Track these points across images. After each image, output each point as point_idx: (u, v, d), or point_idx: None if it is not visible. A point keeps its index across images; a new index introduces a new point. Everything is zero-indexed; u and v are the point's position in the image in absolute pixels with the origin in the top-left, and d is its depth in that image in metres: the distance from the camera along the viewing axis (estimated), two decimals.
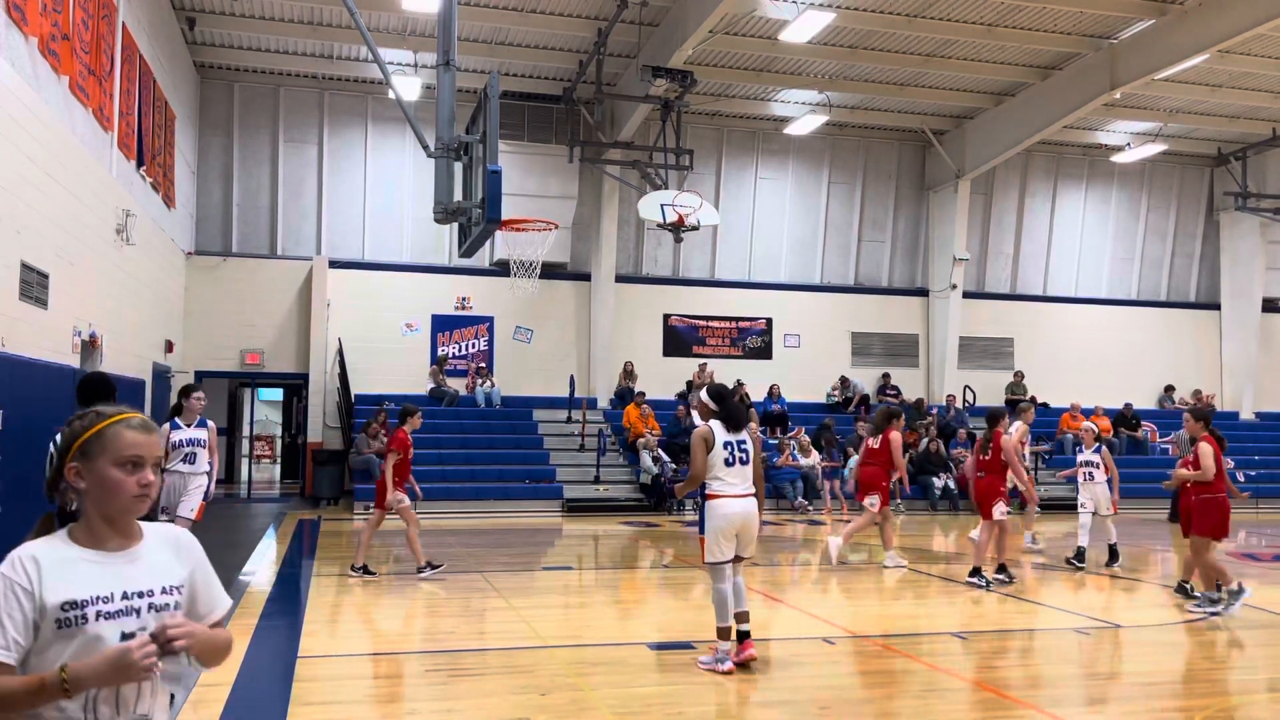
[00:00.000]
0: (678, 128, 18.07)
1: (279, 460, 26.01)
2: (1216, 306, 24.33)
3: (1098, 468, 11.83)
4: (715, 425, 6.57)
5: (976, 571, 9.97)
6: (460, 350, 20.48)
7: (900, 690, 6.15)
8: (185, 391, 9.03)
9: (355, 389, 19.23)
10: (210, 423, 9.07)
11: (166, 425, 8.69)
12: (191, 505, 8.59)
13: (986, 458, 10.38)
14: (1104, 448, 12.02)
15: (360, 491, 16.79)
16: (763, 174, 22.36)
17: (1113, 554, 11.47)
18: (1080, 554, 11.50)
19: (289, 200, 20.11)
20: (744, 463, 6.52)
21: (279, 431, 26.33)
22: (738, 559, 6.55)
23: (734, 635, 6.39)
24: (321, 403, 19.23)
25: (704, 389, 6.93)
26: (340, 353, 19.32)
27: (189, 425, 8.78)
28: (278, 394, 25.52)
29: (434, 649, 7.39)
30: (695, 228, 17.61)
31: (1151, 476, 20.81)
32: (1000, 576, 10.05)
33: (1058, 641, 7.86)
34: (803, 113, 20.80)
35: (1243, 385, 23.85)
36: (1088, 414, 21.72)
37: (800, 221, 22.65)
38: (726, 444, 6.49)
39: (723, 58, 18.35)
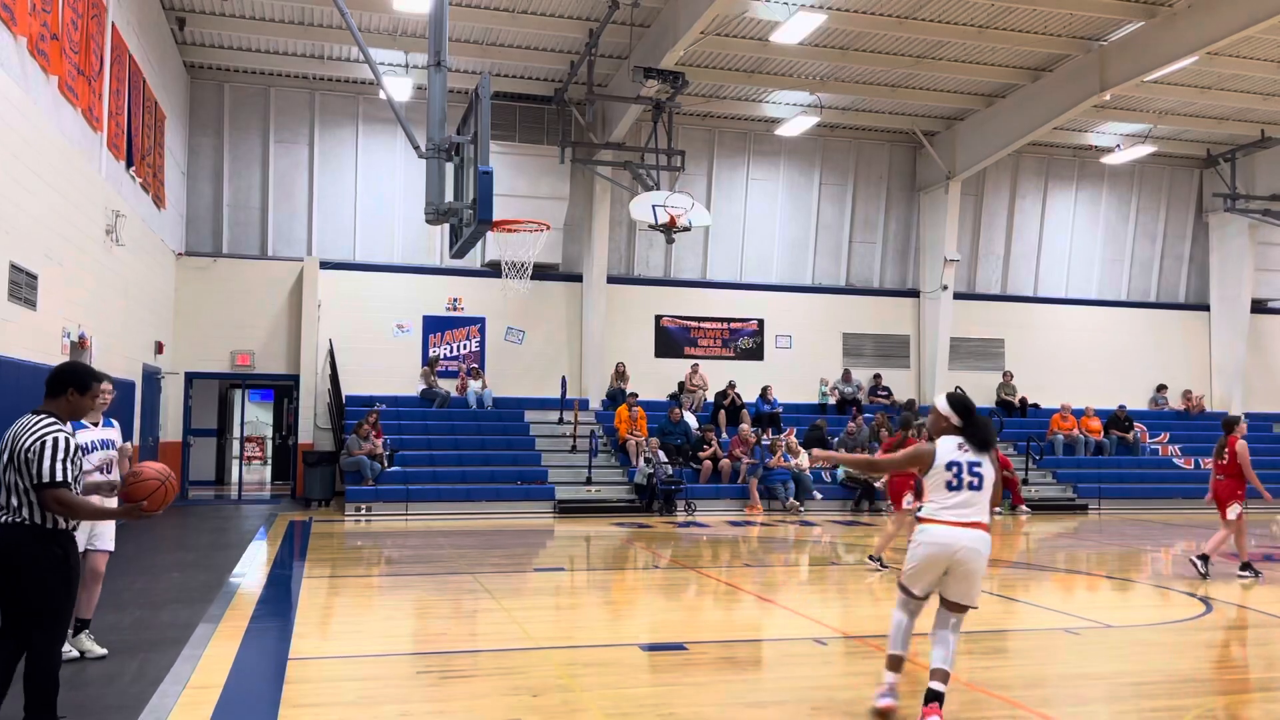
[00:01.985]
0: (669, 129, 18.07)
1: (269, 462, 25.93)
2: (1206, 307, 24.42)
3: None
4: (945, 442, 5.46)
5: (1246, 566, 10.85)
6: (452, 351, 20.45)
7: None
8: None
9: (346, 390, 19.19)
10: (116, 422, 6.92)
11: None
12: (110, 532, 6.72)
13: (1224, 462, 11.05)
14: None
15: (352, 493, 16.76)
16: (754, 175, 22.38)
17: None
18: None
19: (279, 201, 20.06)
20: (975, 489, 5.35)
21: (269, 433, 26.25)
22: (955, 606, 5.43)
23: (898, 670, 5.57)
24: (312, 404, 19.18)
25: (942, 396, 5.63)
26: (331, 354, 19.27)
27: (95, 424, 6.56)
28: (269, 395, 25.46)
29: (425, 650, 7.38)
30: (687, 229, 17.60)
31: (1143, 477, 20.96)
32: (1243, 574, 10.76)
33: (1048, 641, 7.87)
34: (794, 114, 20.83)
35: (1232, 386, 23.94)
36: (1079, 415, 21.83)
37: (792, 222, 22.68)
38: (953, 464, 5.37)
39: (714, 59, 18.36)
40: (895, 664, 5.54)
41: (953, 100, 20.40)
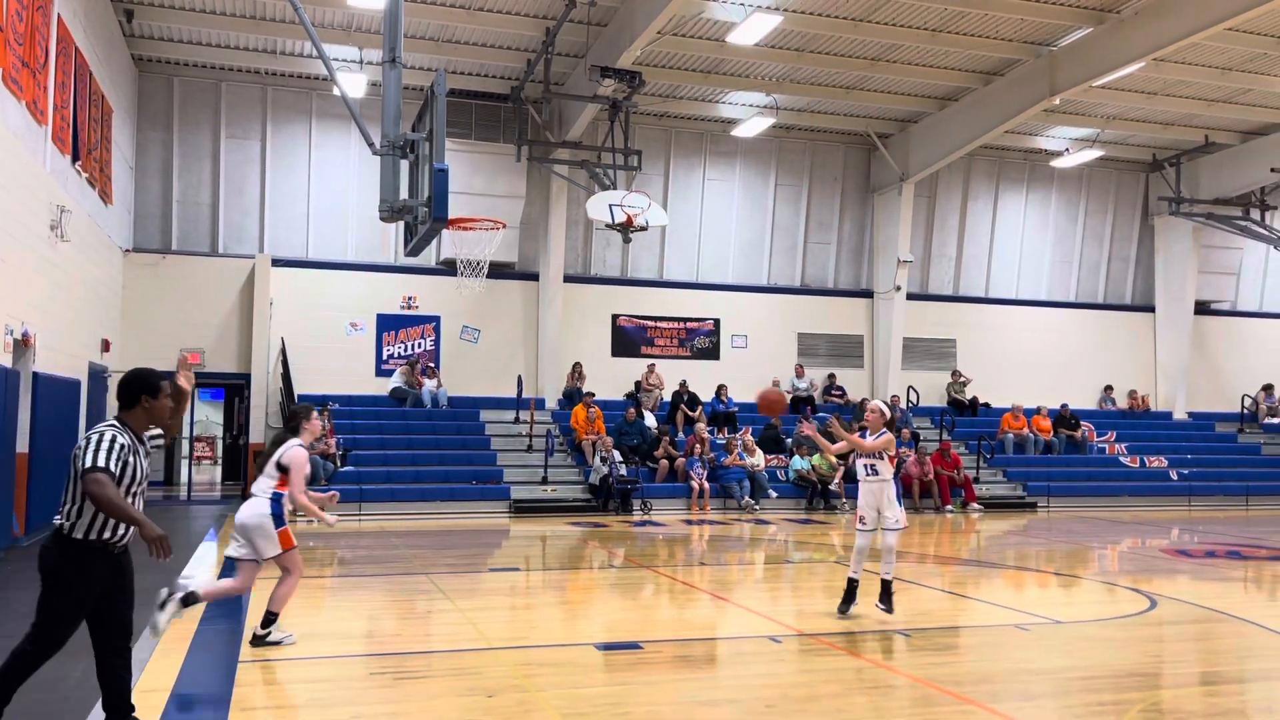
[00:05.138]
0: (626, 128, 18.09)
1: (220, 461, 25.54)
2: (1151, 309, 24.93)
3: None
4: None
5: None
6: (406, 350, 20.29)
7: (845, 688, 6.21)
8: (305, 412, 7.55)
9: (299, 389, 18.95)
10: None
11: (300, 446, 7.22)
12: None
13: None
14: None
15: None
16: (710, 175, 22.46)
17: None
18: None
19: (230, 197, 19.77)
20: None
21: (220, 432, 25.85)
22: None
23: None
24: (264, 403, 18.92)
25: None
26: (283, 352, 19.03)
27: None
28: (219, 394, 25.06)
29: (379, 652, 7.31)
30: (644, 228, 17.63)
31: (1090, 475, 21.35)
32: None
33: (999, 637, 7.99)
34: (750, 114, 20.94)
35: (1176, 386, 24.47)
36: (1029, 414, 22.18)
37: (748, 223, 22.79)
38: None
39: (671, 59, 18.39)
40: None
41: (906, 103, 20.62)
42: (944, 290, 24.01)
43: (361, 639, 7.91)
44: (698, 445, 18.69)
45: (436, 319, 20.47)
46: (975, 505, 18.85)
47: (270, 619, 7.03)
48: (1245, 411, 24.50)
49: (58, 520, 4.48)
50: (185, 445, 22.67)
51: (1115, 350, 24.68)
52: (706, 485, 18.15)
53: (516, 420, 19.71)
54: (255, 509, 7.01)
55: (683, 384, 20.63)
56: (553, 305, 20.74)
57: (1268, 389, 24.68)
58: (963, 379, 23.11)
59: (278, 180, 19.96)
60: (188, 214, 19.60)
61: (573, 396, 20.09)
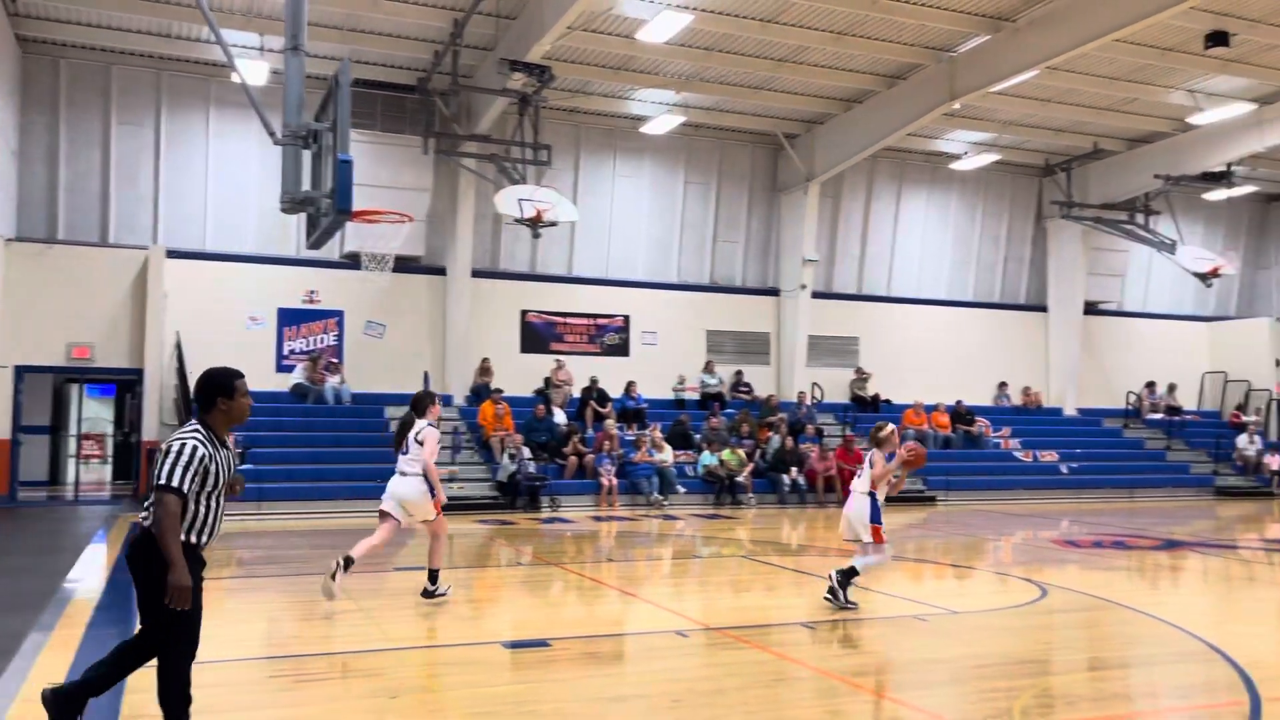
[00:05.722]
0: (535, 123, 17.97)
1: (110, 460, 24.55)
2: (1044, 308, 25.84)
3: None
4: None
5: None
6: (308, 345, 19.81)
7: (751, 681, 6.28)
8: (430, 397, 9.23)
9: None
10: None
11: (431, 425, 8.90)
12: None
13: None
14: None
15: None
16: (620, 172, 22.48)
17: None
18: None
19: (122, 185, 19.01)
20: None
21: (110, 430, 24.85)
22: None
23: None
24: (158, 399, 18.23)
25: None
26: (179, 346, 18.38)
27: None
28: (109, 390, 24.09)
29: (278, 654, 7.13)
30: (553, 224, 17.55)
31: (986, 469, 22.03)
32: None
33: (899, 628, 8.18)
34: (660, 112, 21.02)
35: (1066, 383, 25.42)
36: (929, 410, 22.79)
37: (657, 220, 22.89)
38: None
39: (581, 54, 18.33)
40: None
41: (812, 104, 20.96)
42: (848, 289, 24.48)
43: (260, 641, 7.70)
44: (607, 442, 18.70)
45: (340, 313, 20.04)
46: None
47: (434, 575, 8.59)
48: (1130, 408, 25.58)
49: (145, 521, 4.48)
50: (72, 443, 21.72)
51: (1010, 348, 25.52)
52: (615, 482, 18.17)
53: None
54: (416, 486, 8.50)
55: (593, 380, 20.61)
56: (460, 300, 20.49)
57: (1150, 386, 25.82)
58: (865, 376, 23.61)
59: (173, 169, 19.27)
60: (76, 202, 18.78)
61: (480, 393, 19.89)
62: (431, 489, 8.50)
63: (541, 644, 7.18)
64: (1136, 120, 21.75)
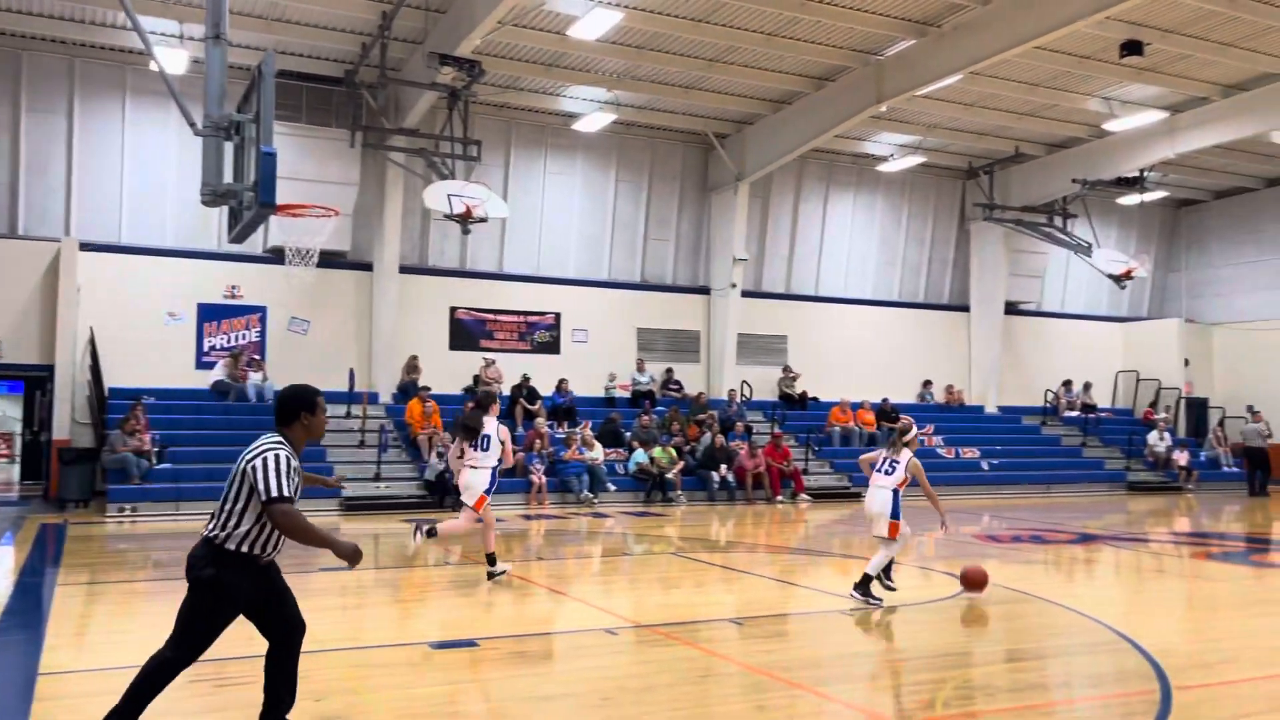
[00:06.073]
0: (465, 118, 17.79)
1: (18, 460, 23.70)
2: (966, 308, 26.42)
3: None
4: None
5: None
6: (229, 341, 19.35)
7: (679, 678, 6.30)
8: (491, 397, 10.47)
9: (110, 382, 17.79)
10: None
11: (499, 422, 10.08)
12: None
13: None
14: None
15: (114, 493, 15.57)
16: (551, 169, 22.39)
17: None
18: None
19: (32, 176, 18.33)
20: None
21: (18, 428, 23.98)
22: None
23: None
24: (70, 396, 17.64)
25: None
26: (92, 342, 17.81)
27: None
28: (17, 387, 23.23)
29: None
30: (483, 220, 17.40)
31: None
32: None
33: (825, 623, 8.29)
34: (591, 110, 20.98)
35: (988, 381, 26.04)
36: (855, 408, 23.14)
37: (588, 218, 22.85)
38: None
39: (512, 50, 18.19)
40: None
41: (743, 104, 21.11)
42: (777, 288, 24.74)
43: None
44: (537, 440, 18.61)
45: (263, 309, 19.61)
46: (804, 496, 19.54)
47: (492, 559, 9.64)
48: (1048, 405, 26.29)
49: (211, 531, 4.58)
50: None
51: (934, 347, 26.04)
52: (545, 480, 18.09)
53: (348, 415, 19.09)
54: (486, 478, 9.70)
55: (524, 378, 20.49)
56: (388, 296, 20.21)
57: (1067, 384, 26.56)
58: (793, 374, 23.89)
59: (87, 159, 18.65)
60: None
61: (408, 390, 19.64)
62: (494, 480, 9.74)
63: (469, 644, 7.12)
64: (1055, 125, 22.35)
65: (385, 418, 19.13)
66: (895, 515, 8.83)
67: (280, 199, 9.40)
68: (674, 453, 19.46)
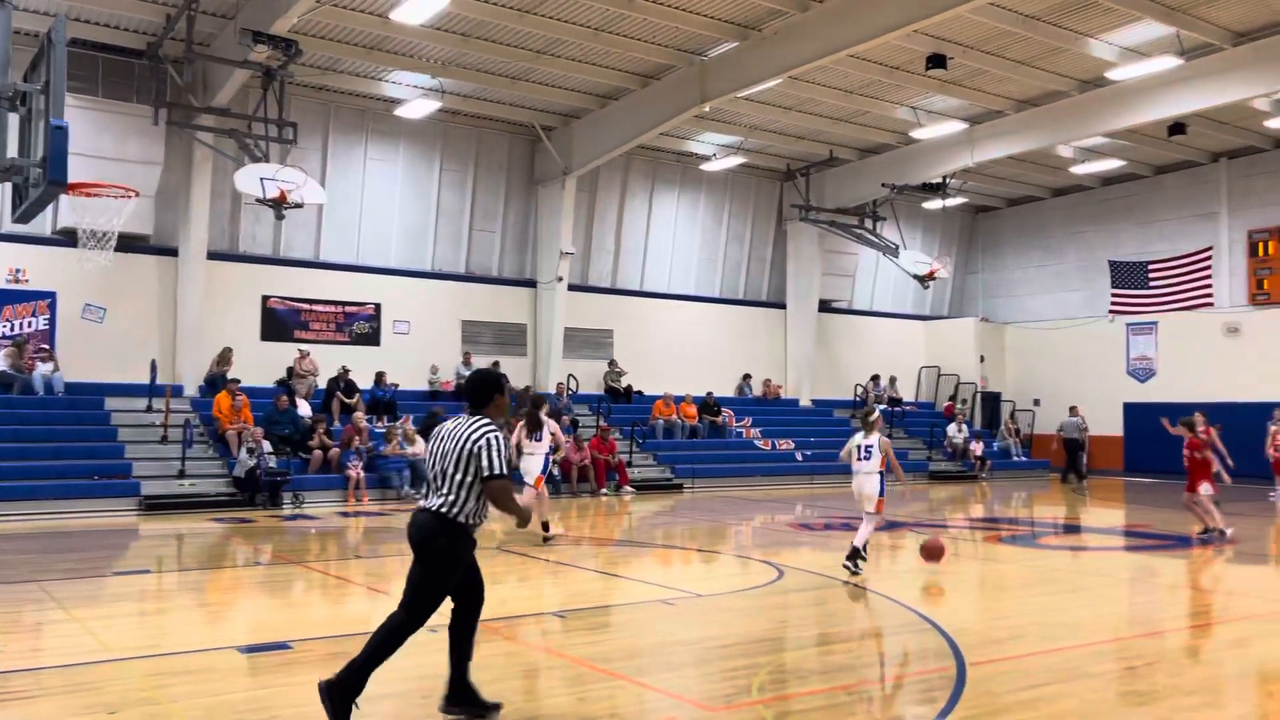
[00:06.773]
0: (280, 98, 17.03)
1: None
2: (783, 305, 27.38)
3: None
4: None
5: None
6: (14, 329, 17.86)
7: (503, 673, 6.27)
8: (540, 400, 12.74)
9: None
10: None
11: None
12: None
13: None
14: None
15: None
16: (373, 155, 21.75)
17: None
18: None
19: None
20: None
21: None
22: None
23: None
24: None
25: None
26: None
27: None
28: None
29: None
30: (299, 205, 16.71)
31: (730, 458, 23.08)
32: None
33: (646, 613, 8.42)
34: (415, 96, 20.48)
35: (803, 375, 27.09)
36: (678, 401, 23.59)
37: (411, 207, 22.33)
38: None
39: (331, 30, 17.53)
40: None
41: (570, 98, 21.12)
42: (603, 282, 24.91)
43: None
44: (356, 436, 18.05)
45: (52, 295, 18.20)
46: (628, 488, 19.78)
47: (546, 525, 11.94)
48: (857, 399, 27.56)
49: (436, 504, 5.13)
50: None
51: (753, 343, 26.86)
52: (363, 475, 17.58)
53: (149, 409, 17.97)
54: (537, 462, 11.94)
55: (342, 370, 19.82)
56: (194, 283, 19.13)
57: (875, 379, 27.93)
58: (619, 368, 24.13)
59: None
60: None
61: (216, 383, 18.65)
62: (545, 465, 12.02)
63: (282, 646, 6.84)
64: (867, 131, 23.43)
65: (190, 412, 18.12)
66: (881, 494, 10.22)
67: (73, 177, 8.79)
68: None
